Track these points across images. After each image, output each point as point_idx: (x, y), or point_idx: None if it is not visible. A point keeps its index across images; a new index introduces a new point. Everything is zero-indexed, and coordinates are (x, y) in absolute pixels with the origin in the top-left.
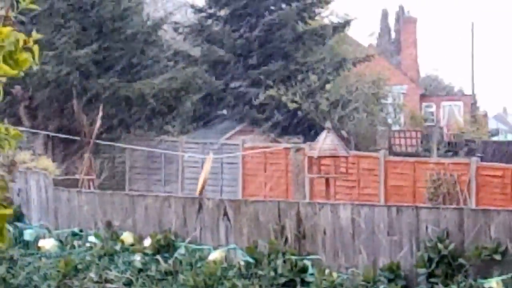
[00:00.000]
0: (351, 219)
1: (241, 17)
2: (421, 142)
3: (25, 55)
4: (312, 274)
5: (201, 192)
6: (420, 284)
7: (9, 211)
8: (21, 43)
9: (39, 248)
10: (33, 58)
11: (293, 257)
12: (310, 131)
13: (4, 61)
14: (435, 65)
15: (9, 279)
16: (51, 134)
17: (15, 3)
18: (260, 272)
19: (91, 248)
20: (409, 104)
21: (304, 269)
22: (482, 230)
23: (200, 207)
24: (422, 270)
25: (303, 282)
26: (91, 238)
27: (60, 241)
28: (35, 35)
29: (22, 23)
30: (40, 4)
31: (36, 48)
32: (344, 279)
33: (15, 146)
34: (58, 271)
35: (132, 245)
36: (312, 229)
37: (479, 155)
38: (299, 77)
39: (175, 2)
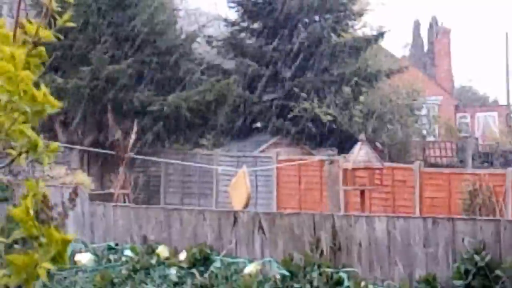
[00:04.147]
0: (386, 231)
1: (274, 30)
2: (456, 153)
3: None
4: (348, 287)
5: (245, 207)
6: None
7: (71, 236)
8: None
9: (75, 262)
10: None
11: (329, 270)
12: (344, 143)
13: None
14: (469, 76)
15: None
16: (86, 148)
17: (52, 20)
18: (295, 285)
19: (127, 262)
20: (444, 115)
21: (340, 282)
22: None
23: (235, 220)
24: (459, 282)
25: None
26: (127, 252)
27: (96, 255)
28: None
29: (58, 39)
30: (75, 20)
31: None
32: None
33: (51, 160)
34: (94, 285)
35: (168, 258)
36: (348, 241)
37: None
38: (333, 89)
39: (208, 16)
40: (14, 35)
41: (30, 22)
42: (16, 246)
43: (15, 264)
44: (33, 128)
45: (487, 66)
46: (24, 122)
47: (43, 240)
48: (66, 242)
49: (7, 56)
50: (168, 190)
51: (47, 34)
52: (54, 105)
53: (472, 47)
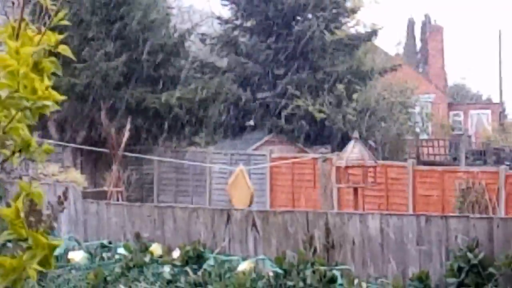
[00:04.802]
0: (380, 229)
1: (268, 28)
2: (449, 151)
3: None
4: (341, 285)
5: (250, 205)
6: None
7: (59, 242)
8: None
9: (68, 260)
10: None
11: (322, 268)
12: (338, 141)
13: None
14: (462, 73)
15: None
16: (80, 146)
17: (46, 19)
18: (289, 283)
19: (120, 260)
20: (437, 113)
21: (333, 279)
22: None
23: (229, 218)
24: (452, 280)
25: None
26: (120, 250)
27: (90, 253)
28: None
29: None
30: (68, 17)
31: (66, 49)
32: None
33: (44, 160)
34: (87, 283)
35: (161, 256)
36: (341, 239)
37: (507, 163)
38: (326, 87)
39: (202, 14)
40: (17, 36)
41: (27, 23)
42: (9, 245)
43: (2, 266)
44: (29, 126)
45: (480, 64)
46: (20, 121)
47: (31, 242)
48: (52, 247)
49: (12, 50)
50: (162, 188)
51: (63, 48)
52: (57, 100)
53: (465, 45)
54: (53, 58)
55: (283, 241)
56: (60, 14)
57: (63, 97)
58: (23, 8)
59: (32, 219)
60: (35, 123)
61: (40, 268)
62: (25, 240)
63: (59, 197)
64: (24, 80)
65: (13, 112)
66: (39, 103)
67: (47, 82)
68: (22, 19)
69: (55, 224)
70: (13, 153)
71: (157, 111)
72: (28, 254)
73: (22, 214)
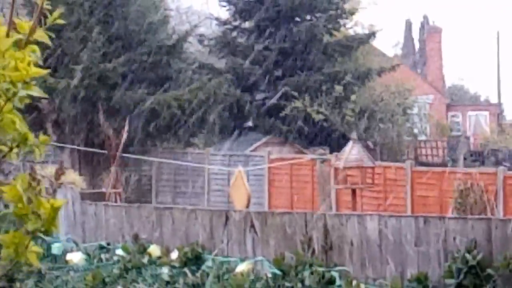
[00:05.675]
0: (378, 230)
1: (266, 29)
2: (448, 152)
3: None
4: (339, 286)
5: (247, 207)
6: None
7: (61, 202)
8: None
9: (66, 261)
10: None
11: (320, 269)
12: (336, 142)
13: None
14: (460, 74)
15: None
16: (78, 147)
17: (42, 18)
18: (287, 284)
19: (118, 261)
20: (435, 114)
21: (331, 281)
22: (511, 240)
23: (227, 219)
24: (450, 281)
25: None
26: (119, 251)
27: (88, 255)
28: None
29: (49, 37)
30: (66, 18)
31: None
32: None
33: (43, 151)
34: (86, 284)
35: (159, 258)
36: (339, 240)
37: (506, 164)
38: (325, 88)
39: (200, 15)
40: (8, 34)
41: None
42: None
43: (4, 242)
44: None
45: (478, 65)
46: (11, 112)
47: (32, 216)
48: (55, 209)
49: None
50: (160, 189)
51: (41, 34)
52: (41, 74)
53: (463, 46)
54: (33, 46)
55: (281, 242)
56: (56, 14)
57: (46, 71)
58: (12, 7)
59: (31, 190)
60: (30, 124)
61: (41, 250)
62: (25, 216)
63: (57, 170)
64: (4, 60)
65: (2, 101)
66: (22, 77)
67: (28, 58)
68: (11, 19)
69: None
70: (11, 148)
71: (155, 112)
72: (31, 223)
73: (21, 190)
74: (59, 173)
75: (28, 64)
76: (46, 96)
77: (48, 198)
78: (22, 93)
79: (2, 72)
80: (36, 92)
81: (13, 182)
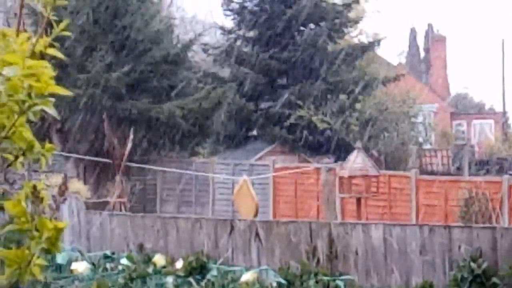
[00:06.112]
0: (383, 239)
1: (270, 38)
2: (452, 161)
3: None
4: None
5: (255, 216)
6: None
7: (64, 224)
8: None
9: (71, 271)
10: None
11: (326, 278)
12: (341, 151)
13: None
14: (465, 83)
15: None
16: (83, 157)
17: (48, 29)
18: None
19: (123, 270)
20: (440, 122)
21: None
22: None
23: (232, 228)
24: None
25: None
26: (123, 261)
27: (93, 264)
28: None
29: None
30: (71, 28)
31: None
32: None
33: (49, 158)
34: None
35: (164, 267)
36: (344, 249)
37: (511, 173)
38: (329, 97)
39: (205, 24)
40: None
41: (26, 32)
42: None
43: (8, 258)
44: (30, 125)
45: (483, 73)
46: (23, 125)
47: (35, 233)
48: (59, 230)
49: (11, 50)
50: (165, 199)
51: (52, 51)
52: (58, 89)
53: (468, 54)
54: (45, 62)
55: (286, 251)
56: (62, 25)
57: (68, 92)
58: (20, 14)
59: (34, 208)
60: (35, 133)
61: (45, 262)
62: (29, 231)
63: (60, 186)
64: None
65: (16, 115)
66: (40, 100)
67: (51, 72)
68: (18, 28)
69: (58, 214)
70: (16, 157)
71: (160, 121)
72: (34, 242)
73: (24, 205)
74: (62, 189)
75: (51, 78)
76: (58, 116)
77: (52, 213)
78: (38, 107)
79: (23, 79)
80: (52, 110)
81: (17, 196)
